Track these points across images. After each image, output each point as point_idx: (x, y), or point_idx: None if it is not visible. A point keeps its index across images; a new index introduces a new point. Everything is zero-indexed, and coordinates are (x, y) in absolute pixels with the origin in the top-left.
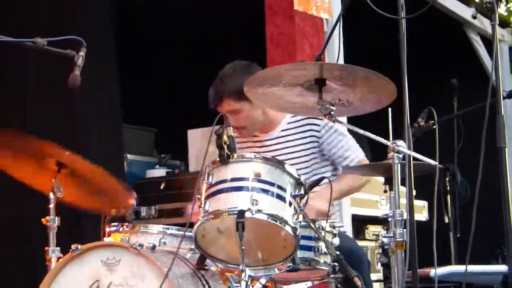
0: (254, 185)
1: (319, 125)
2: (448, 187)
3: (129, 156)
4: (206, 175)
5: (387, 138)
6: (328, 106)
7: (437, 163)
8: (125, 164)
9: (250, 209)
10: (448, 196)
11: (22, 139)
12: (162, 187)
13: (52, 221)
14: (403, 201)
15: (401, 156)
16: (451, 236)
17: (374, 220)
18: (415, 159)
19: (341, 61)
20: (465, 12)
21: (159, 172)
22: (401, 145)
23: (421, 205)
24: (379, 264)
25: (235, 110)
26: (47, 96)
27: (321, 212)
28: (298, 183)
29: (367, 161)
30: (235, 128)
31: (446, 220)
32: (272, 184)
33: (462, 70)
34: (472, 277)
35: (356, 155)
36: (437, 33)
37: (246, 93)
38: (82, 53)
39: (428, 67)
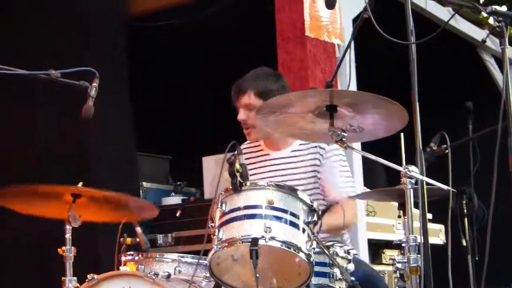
0: (267, 213)
1: (324, 149)
2: (465, 210)
3: (144, 184)
4: (219, 203)
5: (400, 163)
6: (339, 132)
7: (450, 187)
8: (141, 192)
9: (263, 237)
10: (466, 219)
11: (36, 188)
12: (178, 214)
13: (68, 251)
14: (419, 225)
15: (413, 181)
16: (469, 260)
17: (390, 244)
18: (428, 184)
19: (353, 86)
20: (478, 34)
21: (174, 199)
22: (414, 170)
23: (437, 228)
24: None
25: (253, 106)
26: (61, 126)
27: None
28: (311, 210)
29: (352, 201)
30: (245, 126)
31: (464, 243)
32: (285, 211)
33: (476, 92)
34: None
35: (346, 191)
36: (450, 56)
37: (257, 119)
38: (95, 84)
39: (442, 90)
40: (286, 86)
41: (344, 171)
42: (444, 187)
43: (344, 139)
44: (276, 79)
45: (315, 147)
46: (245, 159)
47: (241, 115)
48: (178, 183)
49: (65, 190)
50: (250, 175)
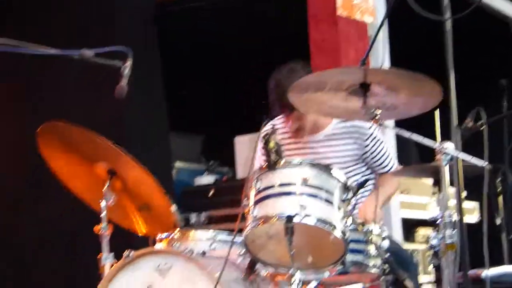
0: (302, 190)
1: (366, 134)
2: (500, 188)
3: (177, 163)
4: (254, 181)
5: (434, 140)
6: (373, 110)
7: (486, 164)
8: (173, 172)
9: (298, 214)
10: (500, 197)
11: (76, 133)
12: (210, 194)
13: (104, 229)
14: (454, 202)
15: (449, 157)
16: (503, 238)
17: (424, 223)
18: (463, 160)
19: (386, 64)
20: None
21: (207, 179)
22: (449, 146)
23: (472, 206)
24: (431, 266)
25: (301, 116)
26: (93, 107)
27: (368, 220)
28: (345, 187)
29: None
30: (294, 131)
31: (498, 221)
32: (320, 188)
33: (510, 69)
34: None
35: (393, 164)
36: (484, 33)
37: (290, 98)
38: (128, 64)
39: (476, 67)
40: None
41: (385, 150)
42: (481, 163)
43: (377, 117)
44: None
45: (354, 132)
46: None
47: (294, 126)
48: (211, 162)
49: (105, 144)
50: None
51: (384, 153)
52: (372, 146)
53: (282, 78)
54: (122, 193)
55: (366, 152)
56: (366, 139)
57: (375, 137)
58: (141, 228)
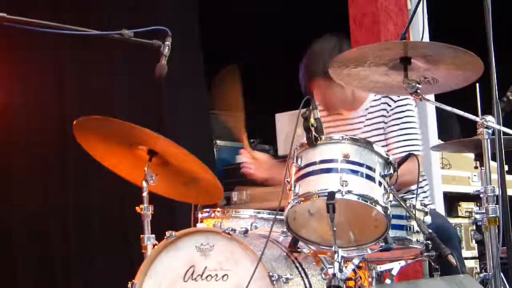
0: (343, 167)
1: (390, 106)
2: None
3: (218, 142)
4: (295, 158)
5: (475, 114)
6: (414, 84)
7: None
8: (214, 150)
9: (340, 191)
10: None
11: (112, 124)
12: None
13: (146, 209)
14: (496, 176)
15: (490, 131)
16: None
17: (467, 197)
18: (505, 134)
19: (426, 38)
20: None
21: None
22: (490, 120)
23: None
24: (474, 241)
25: (325, 89)
26: (135, 85)
27: None
28: (387, 163)
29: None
30: (322, 106)
31: None
32: (361, 164)
33: None
34: None
35: (409, 148)
36: None
37: (331, 74)
38: (168, 43)
39: None
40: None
41: (407, 128)
42: None
43: (418, 91)
44: (341, 50)
45: (385, 98)
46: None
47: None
48: (252, 140)
49: (143, 135)
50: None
51: (404, 134)
52: (392, 120)
53: (314, 52)
54: (165, 171)
55: (387, 122)
56: (389, 111)
57: (398, 112)
58: (191, 199)
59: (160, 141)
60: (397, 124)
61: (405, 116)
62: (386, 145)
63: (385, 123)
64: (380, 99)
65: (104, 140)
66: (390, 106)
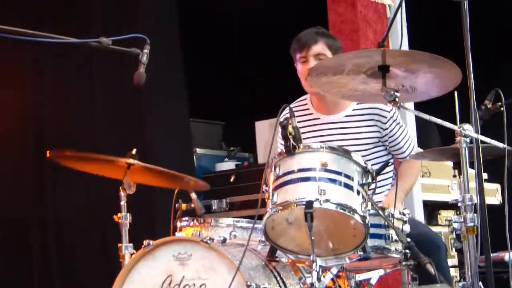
0: (321, 175)
1: (386, 117)
2: None
3: (198, 150)
4: (273, 167)
5: (454, 122)
6: (392, 92)
7: (505, 145)
8: (194, 158)
9: (318, 199)
10: None
11: (86, 156)
12: (232, 180)
13: (124, 218)
14: (474, 185)
15: (468, 140)
16: None
17: (446, 205)
18: (483, 142)
19: (405, 46)
20: None
21: (228, 165)
22: (468, 128)
23: (494, 188)
24: (454, 250)
25: (324, 56)
26: (115, 95)
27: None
28: (365, 171)
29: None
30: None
31: None
32: (339, 173)
33: None
34: None
35: (412, 149)
36: (503, 11)
37: (309, 81)
38: (146, 51)
39: (496, 46)
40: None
41: (405, 133)
42: (500, 145)
43: (397, 99)
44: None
45: (374, 114)
46: (299, 122)
47: (311, 64)
48: (232, 148)
49: (118, 160)
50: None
51: (404, 137)
52: (392, 130)
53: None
54: (145, 172)
55: (385, 136)
56: (386, 122)
57: (395, 120)
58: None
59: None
60: (398, 130)
61: (400, 122)
62: (386, 152)
63: (384, 129)
64: (367, 109)
65: (79, 161)
66: (386, 117)
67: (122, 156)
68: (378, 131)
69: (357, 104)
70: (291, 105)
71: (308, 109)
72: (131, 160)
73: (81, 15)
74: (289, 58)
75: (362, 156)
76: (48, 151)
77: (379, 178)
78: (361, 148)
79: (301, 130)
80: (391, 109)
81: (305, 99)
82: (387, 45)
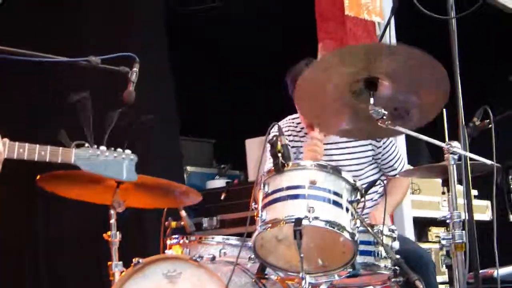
0: (310, 193)
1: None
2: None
3: (188, 168)
4: (262, 185)
5: (443, 139)
6: (380, 110)
7: (493, 162)
8: (185, 176)
9: (307, 217)
10: None
11: (75, 175)
12: (222, 197)
13: (114, 236)
14: (463, 201)
15: (456, 157)
16: None
17: (436, 222)
18: (471, 159)
19: None
20: None
21: (219, 182)
22: (457, 146)
23: (484, 204)
24: (444, 266)
25: None
26: (105, 111)
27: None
28: (354, 189)
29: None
30: (309, 126)
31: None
32: (328, 191)
33: None
34: None
35: (403, 166)
36: (491, 29)
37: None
38: (135, 69)
39: (484, 64)
40: None
41: (397, 151)
42: (488, 162)
43: (384, 117)
44: None
45: None
46: (289, 141)
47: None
48: (222, 166)
49: (106, 179)
50: (295, 159)
51: (396, 155)
52: (386, 147)
53: (301, 71)
54: (138, 189)
55: (379, 153)
56: (380, 140)
57: (388, 139)
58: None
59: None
60: (390, 149)
61: (392, 141)
62: (378, 170)
63: (377, 148)
64: None
65: (68, 183)
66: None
67: None
68: (372, 150)
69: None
70: (285, 121)
71: (303, 128)
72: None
73: (69, 32)
74: (279, 77)
75: (355, 175)
76: (38, 176)
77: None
78: (355, 167)
79: (295, 149)
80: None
81: (299, 117)
82: None
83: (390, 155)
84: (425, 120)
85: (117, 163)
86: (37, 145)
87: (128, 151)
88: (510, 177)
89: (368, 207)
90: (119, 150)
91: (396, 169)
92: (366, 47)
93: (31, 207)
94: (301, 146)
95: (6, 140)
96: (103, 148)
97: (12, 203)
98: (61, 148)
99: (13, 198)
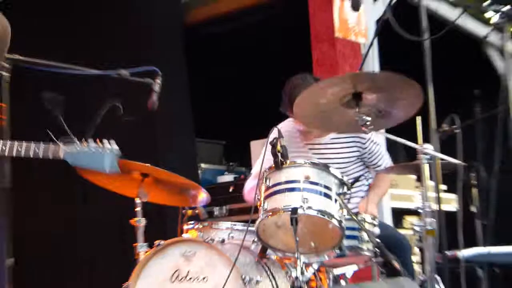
0: (304, 186)
1: (365, 138)
2: (474, 181)
3: (202, 165)
4: (264, 179)
5: (417, 142)
6: (364, 117)
7: (460, 162)
8: (199, 172)
9: (302, 207)
10: (475, 189)
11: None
12: (231, 190)
13: (139, 222)
14: (433, 194)
15: (428, 157)
16: (477, 224)
17: (411, 211)
18: (441, 159)
19: None
20: (484, 31)
21: (228, 177)
22: (428, 147)
23: (452, 197)
24: (416, 249)
25: None
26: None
27: (373, 214)
28: (341, 183)
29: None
30: (303, 133)
31: (474, 210)
32: (319, 185)
33: (483, 81)
34: (494, 257)
35: (386, 162)
36: (459, 50)
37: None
38: (158, 81)
39: (452, 80)
40: None
41: (380, 151)
42: (455, 161)
43: (368, 123)
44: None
45: (355, 136)
46: (286, 140)
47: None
48: (230, 163)
49: (136, 166)
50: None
51: (380, 154)
52: (370, 148)
53: (296, 84)
54: (158, 185)
55: (364, 153)
56: (365, 143)
57: (372, 141)
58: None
59: (149, 167)
60: (375, 148)
61: (376, 142)
62: (364, 166)
63: (363, 149)
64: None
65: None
66: (364, 139)
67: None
68: (358, 151)
69: None
70: (283, 124)
71: (297, 130)
72: (144, 171)
73: (97, 48)
74: (279, 86)
75: (343, 171)
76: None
77: (354, 189)
78: (342, 165)
79: (293, 152)
80: (369, 133)
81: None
82: None
83: (374, 154)
84: (404, 118)
85: (101, 156)
86: (32, 143)
87: (111, 144)
88: (472, 174)
89: (360, 197)
90: (105, 142)
91: (380, 165)
92: (352, 75)
93: (71, 196)
94: (292, 145)
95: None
96: (89, 142)
97: (56, 192)
98: (51, 144)
99: (57, 188)
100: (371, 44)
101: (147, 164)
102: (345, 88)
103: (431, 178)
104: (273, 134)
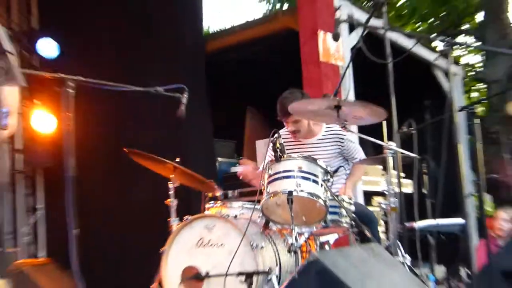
0: (298, 175)
1: (343, 138)
2: (425, 170)
3: (219, 159)
4: (267, 169)
5: (383, 139)
6: (343, 121)
7: (415, 155)
8: (217, 164)
9: (295, 190)
10: (426, 176)
11: (147, 156)
12: (241, 177)
13: (172, 202)
14: (395, 180)
15: (392, 152)
16: (427, 202)
17: (378, 193)
18: (401, 153)
19: (352, 93)
20: (433, 56)
21: (239, 168)
22: (392, 144)
23: (409, 182)
24: (382, 221)
25: (297, 121)
26: (160, 126)
27: (350, 196)
28: (326, 172)
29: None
30: (291, 132)
31: (425, 191)
32: (310, 173)
33: (432, 94)
34: (441, 227)
35: (361, 156)
36: (414, 71)
37: (293, 112)
38: (185, 95)
39: (410, 93)
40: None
41: (355, 148)
42: (412, 155)
43: (346, 125)
44: (307, 97)
45: (336, 136)
46: (285, 144)
47: (292, 128)
48: (241, 157)
49: (168, 162)
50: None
51: (355, 149)
52: (347, 145)
53: (286, 96)
54: (185, 175)
55: (343, 150)
56: (343, 142)
57: (349, 140)
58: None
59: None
60: (351, 145)
61: (352, 140)
62: (343, 159)
63: (342, 146)
64: (330, 133)
65: (143, 158)
66: (343, 138)
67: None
68: (339, 148)
69: (325, 130)
70: (281, 131)
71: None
72: (175, 164)
73: (139, 69)
74: (276, 99)
75: (327, 163)
76: (125, 148)
77: (336, 178)
78: (327, 158)
79: (288, 148)
80: (346, 134)
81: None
82: (340, 92)
83: (351, 150)
84: (373, 122)
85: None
86: None
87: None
88: (424, 165)
89: (341, 183)
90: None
91: (356, 158)
92: (332, 100)
93: (124, 180)
94: (289, 144)
95: None
96: None
97: (111, 176)
98: None
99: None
100: (348, 66)
101: (177, 159)
102: (329, 103)
103: (394, 168)
104: (274, 135)
